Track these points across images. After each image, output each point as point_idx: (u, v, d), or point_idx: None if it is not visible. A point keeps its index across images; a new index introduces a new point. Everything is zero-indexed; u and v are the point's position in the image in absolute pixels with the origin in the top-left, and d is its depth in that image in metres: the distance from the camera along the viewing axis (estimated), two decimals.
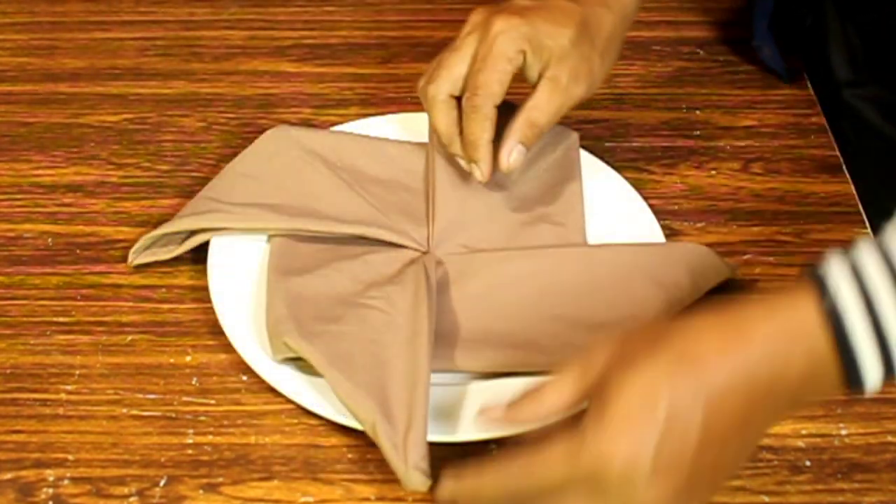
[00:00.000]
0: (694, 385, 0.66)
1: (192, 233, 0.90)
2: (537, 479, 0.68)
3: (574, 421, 0.68)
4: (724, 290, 0.89)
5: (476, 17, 0.89)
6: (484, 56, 0.87)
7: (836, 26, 1.04)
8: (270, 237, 0.90)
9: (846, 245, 0.93)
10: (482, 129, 0.87)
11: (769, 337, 0.67)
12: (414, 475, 0.75)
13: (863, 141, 1.02)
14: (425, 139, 0.98)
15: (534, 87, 0.88)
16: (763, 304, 0.68)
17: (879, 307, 0.65)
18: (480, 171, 0.88)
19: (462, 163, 0.90)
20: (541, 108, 0.87)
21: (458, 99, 0.89)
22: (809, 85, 1.07)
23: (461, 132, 0.89)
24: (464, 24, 0.89)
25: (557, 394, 0.70)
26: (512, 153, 0.87)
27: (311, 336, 0.81)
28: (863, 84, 1.04)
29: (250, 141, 0.96)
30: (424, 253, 0.90)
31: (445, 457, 0.79)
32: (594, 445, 0.66)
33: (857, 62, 1.03)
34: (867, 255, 0.66)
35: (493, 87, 0.86)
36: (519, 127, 0.87)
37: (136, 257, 0.90)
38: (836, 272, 0.66)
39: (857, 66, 1.03)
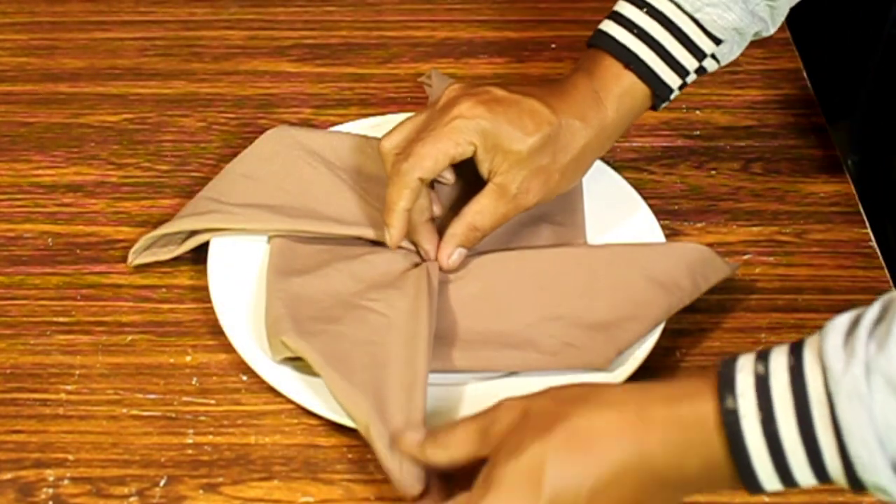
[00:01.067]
0: (581, 466, 0.67)
1: (192, 233, 0.90)
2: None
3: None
4: (724, 290, 0.89)
5: (450, 91, 0.86)
6: (433, 130, 0.84)
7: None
8: (270, 237, 0.90)
9: (846, 246, 0.94)
10: (401, 196, 0.84)
11: (668, 425, 0.66)
12: (407, 478, 0.75)
13: None
14: None
15: (482, 187, 0.86)
16: (666, 391, 0.68)
17: (779, 426, 0.64)
18: (390, 236, 0.86)
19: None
20: (484, 213, 0.86)
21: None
22: (809, 85, 1.07)
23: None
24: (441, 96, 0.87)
25: (456, 447, 0.72)
26: (452, 255, 0.87)
27: (308, 335, 0.81)
28: None
29: (250, 141, 0.96)
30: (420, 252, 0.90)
31: None
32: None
33: None
34: (778, 367, 0.65)
35: (426, 161, 0.84)
36: (460, 231, 0.86)
37: (135, 257, 0.90)
38: (744, 377, 0.65)
39: None
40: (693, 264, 0.88)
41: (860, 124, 1.11)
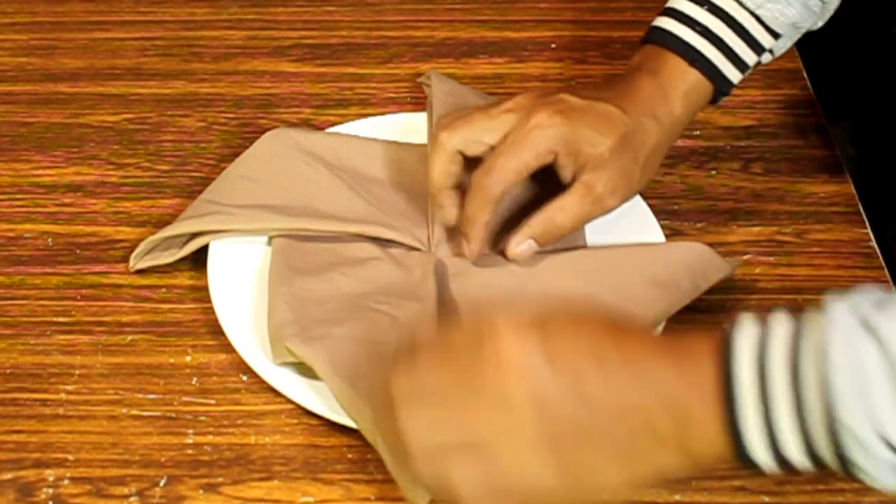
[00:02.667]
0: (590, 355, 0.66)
1: (193, 236, 0.90)
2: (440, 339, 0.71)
3: None
4: (724, 290, 0.89)
5: (522, 100, 0.86)
6: (513, 142, 0.84)
7: None
8: (272, 238, 0.90)
9: (846, 246, 0.94)
10: (482, 209, 0.85)
11: (668, 372, 0.65)
12: (416, 488, 0.75)
13: None
14: (425, 140, 0.98)
15: (567, 187, 0.86)
16: (669, 342, 0.68)
17: (773, 401, 0.62)
18: (469, 249, 0.87)
19: (443, 215, 0.88)
20: (567, 210, 0.85)
21: (465, 158, 0.87)
22: (809, 85, 1.07)
23: (455, 190, 0.88)
24: (506, 100, 0.87)
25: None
26: (521, 244, 0.86)
27: (313, 341, 0.81)
28: None
29: (250, 141, 0.96)
30: (424, 251, 0.90)
31: None
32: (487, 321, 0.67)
33: None
34: (778, 340, 0.64)
35: (509, 174, 0.84)
36: (537, 223, 0.86)
37: (137, 262, 0.90)
38: (744, 344, 0.64)
39: None
40: (693, 264, 0.88)
41: (860, 124, 1.11)
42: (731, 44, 0.88)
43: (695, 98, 0.89)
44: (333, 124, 1.01)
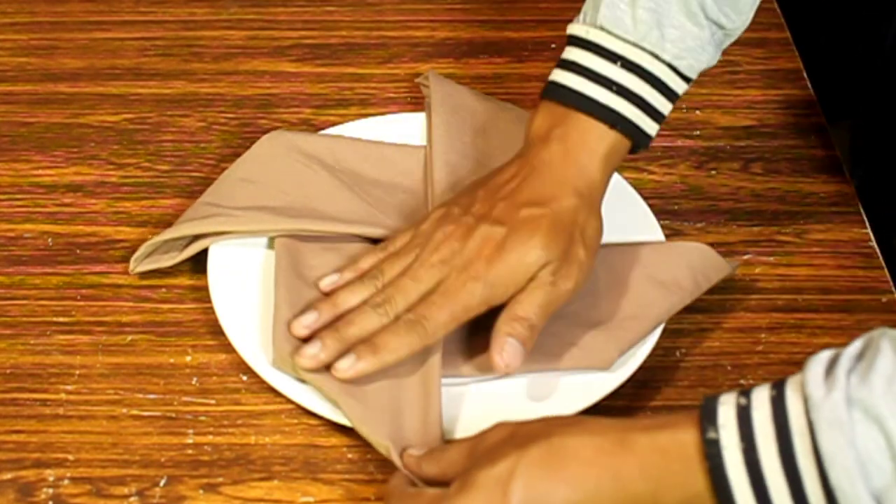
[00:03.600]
0: (552, 483, 0.67)
1: (194, 239, 0.90)
2: None
3: None
4: (724, 290, 0.89)
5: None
6: (445, 293, 0.81)
7: None
8: (274, 239, 0.90)
9: (846, 246, 0.94)
10: (400, 346, 0.81)
11: (647, 453, 0.66)
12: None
13: None
14: (424, 141, 0.98)
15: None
16: (649, 422, 0.68)
17: (761, 455, 0.63)
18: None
19: None
20: (522, 301, 0.81)
21: None
22: (809, 85, 1.07)
23: None
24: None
25: (448, 462, 0.74)
26: (504, 348, 0.80)
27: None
28: None
29: (250, 141, 0.96)
30: None
31: None
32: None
33: None
34: (760, 399, 0.65)
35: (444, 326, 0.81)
36: (501, 324, 0.81)
37: (137, 265, 0.90)
38: (726, 409, 0.65)
39: None
40: (694, 263, 0.88)
41: (860, 124, 1.11)
42: (650, 100, 0.84)
43: (614, 159, 0.85)
44: (333, 124, 1.01)
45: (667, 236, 0.92)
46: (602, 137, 0.84)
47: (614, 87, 0.83)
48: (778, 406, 0.64)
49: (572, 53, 0.85)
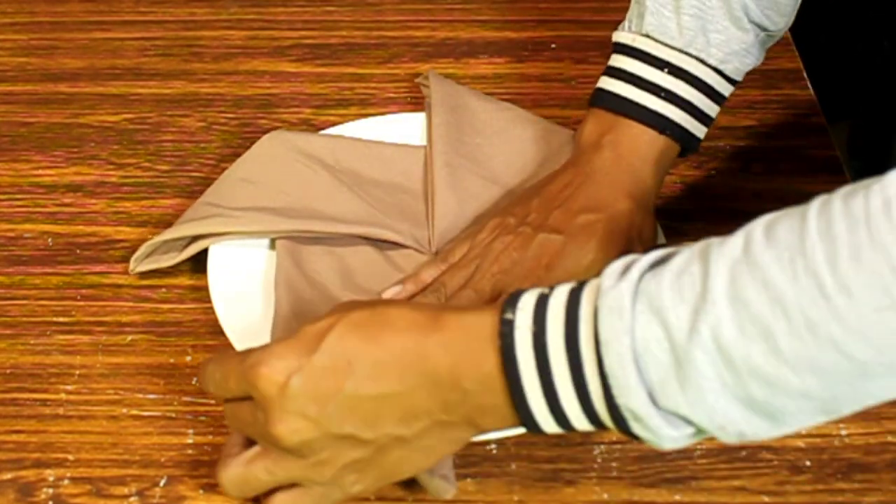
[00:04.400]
0: (362, 341, 0.68)
1: (194, 239, 0.90)
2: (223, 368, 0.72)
3: None
4: None
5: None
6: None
7: None
8: (275, 240, 0.90)
9: None
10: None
11: (452, 329, 0.67)
12: (439, 484, 0.75)
13: None
14: (424, 141, 0.98)
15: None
16: (463, 307, 0.71)
17: (548, 338, 0.65)
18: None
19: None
20: None
21: None
22: (809, 85, 1.07)
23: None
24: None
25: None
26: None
27: None
28: None
29: (250, 141, 0.96)
30: (424, 252, 0.90)
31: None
32: (262, 348, 0.71)
33: None
34: (560, 289, 0.66)
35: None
36: None
37: (137, 265, 0.90)
38: (528, 296, 0.66)
39: None
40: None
41: (860, 124, 1.11)
42: (698, 104, 0.86)
43: (665, 163, 0.87)
44: (333, 124, 1.01)
45: (667, 236, 0.92)
46: (652, 142, 0.86)
47: (662, 93, 0.85)
48: (573, 295, 0.65)
49: (619, 61, 0.86)
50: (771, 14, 0.86)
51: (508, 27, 1.13)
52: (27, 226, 0.95)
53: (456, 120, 0.97)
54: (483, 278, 0.83)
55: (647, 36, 0.85)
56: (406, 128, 0.99)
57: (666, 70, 0.85)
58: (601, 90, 0.87)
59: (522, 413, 0.66)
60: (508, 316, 0.66)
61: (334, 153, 0.96)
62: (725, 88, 0.87)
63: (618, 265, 0.64)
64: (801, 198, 0.98)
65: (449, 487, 0.75)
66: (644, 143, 0.86)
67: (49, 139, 1.02)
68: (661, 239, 0.91)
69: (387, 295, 0.86)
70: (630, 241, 0.84)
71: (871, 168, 1.05)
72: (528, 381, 0.65)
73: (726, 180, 0.99)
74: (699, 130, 0.87)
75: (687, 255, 0.64)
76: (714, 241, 0.64)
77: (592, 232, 0.83)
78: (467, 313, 0.68)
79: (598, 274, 0.65)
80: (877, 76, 1.11)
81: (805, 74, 1.08)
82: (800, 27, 1.11)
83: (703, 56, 0.85)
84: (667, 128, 0.86)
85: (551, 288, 0.66)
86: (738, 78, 0.87)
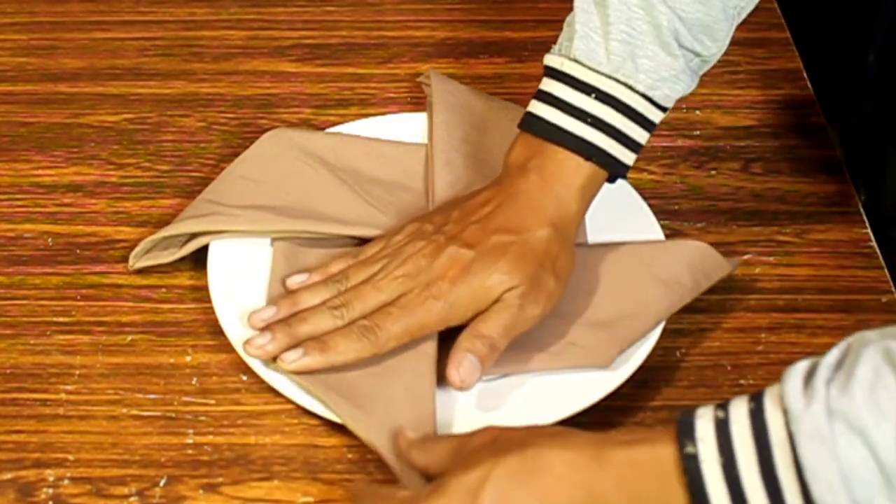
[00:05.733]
0: (524, 494, 0.67)
1: (193, 236, 0.90)
2: None
3: None
4: (724, 290, 0.89)
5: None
6: (403, 307, 0.81)
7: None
8: (273, 241, 0.90)
9: (846, 246, 0.94)
10: (348, 350, 0.81)
11: (624, 468, 0.66)
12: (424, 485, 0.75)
13: None
14: (424, 140, 0.98)
15: None
16: (626, 437, 0.68)
17: (740, 469, 0.63)
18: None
19: None
20: (487, 320, 0.81)
21: None
22: (810, 85, 1.07)
23: None
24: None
25: (433, 456, 0.75)
26: (462, 363, 0.80)
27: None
28: None
29: (250, 141, 0.96)
30: None
31: None
32: None
33: None
34: (738, 412, 0.64)
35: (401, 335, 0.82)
36: (463, 339, 0.81)
37: (136, 261, 0.90)
38: (704, 423, 0.65)
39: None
40: (694, 261, 0.88)
41: (860, 124, 1.11)
42: (625, 130, 0.84)
43: (590, 190, 0.85)
44: (333, 124, 1.01)
45: (667, 236, 0.92)
46: (578, 169, 0.84)
47: (589, 119, 0.83)
48: (757, 419, 0.63)
49: (548, 85, 0.85)
50: (703, 39, 0.84)
51: (508, 27, 1.13)
52: (27, 226, 0.95)
53: (457, 118, 0.97)
54: (385, 278, 0.83)
55: (576, 60, 0.84)
56: (406, 128, 0.99)
57: (593, 96, 0.83)
58: (530, 114, 0.86)
59: None
60: (690, 450, 0.64)
61: (335, 151, 0.96)
62: (655, 115, 0.85)
63: (796, 380, 0.63)
64: (801, 198, 0.98)
65: None
66: (569, 170, 0.84)
67: (49, 139, 1.02)
68: (661, 239, 0.91)
69: (291, 282, 0.86)
70: (542, 268, 0.82)
71: (870, 168, 1.05)
72: None
73: (726, 180, 0.99)
74: (627, 157, 0.85)
75: (871, 364, 0.62)
76: (889, 341, 0.63)
77: (503, 253, 0.82)
78: (635, 448, 0.66)
79: (758, 392, 0.64)
80: (869, 73, 1.11)
81: (805, 74, 1.08)
82: (800, 27, 1.11)
83: (630, 82, 0.83)
84: (593, 154, 0.83)
85: (723, 409, 0.64)
86: (668, 105, 0.85)
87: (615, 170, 0.85)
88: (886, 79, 1.06)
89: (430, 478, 0.73)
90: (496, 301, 0.81)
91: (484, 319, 0.81)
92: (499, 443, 0.70)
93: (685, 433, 0.64)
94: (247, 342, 0.82)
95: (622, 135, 0.84)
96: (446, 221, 0.85)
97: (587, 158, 0.83)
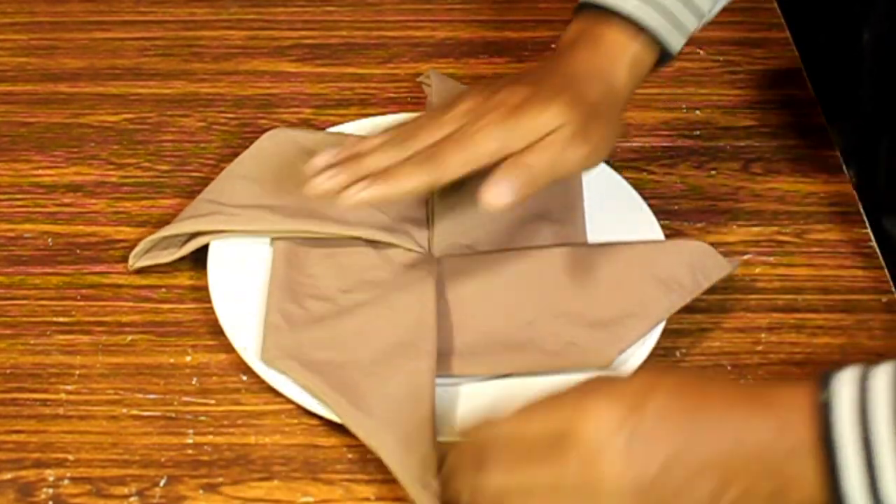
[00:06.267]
0: (682, 407, 0.68)
1: (193, 236, 0.90)
2: (517, 429, 0.70)
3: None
4: (724, 290, 0.89)
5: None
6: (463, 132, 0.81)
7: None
8: (273, 241, 0.90)
9: (846, 246, 0.94)
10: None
11: (762, 404, 0.67)
12: (424, 494, 0.75)
13: None
14: None
15: None
16: (768, 386, 0.70)
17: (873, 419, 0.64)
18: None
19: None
20: (533, 151, 0.81)
21: None
22: (810, 85, 1.07)
23: None
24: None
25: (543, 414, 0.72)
26: (499, 182, 0.79)
27: (312, 366, 0.81)
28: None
29: (250, 141, 0.96)
30: (423, 254, 0.90)
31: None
32: (574, 397, 0.69)
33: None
34: (881, 378, 0.65)
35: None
36: (506, 164, 0.80)
37: (136, 261, 0.90)
38: (845, 375, 0.66)
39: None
40: (694, 261, 0.88)
41: (860, 124, 1.11)
42: (675, 11, 0.86)
43: (639, 68, 0.86)
44: (333, 124, 1.01)
45: (667, 236, 0.92)
46: (628, 44, 0.85)
47: None
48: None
49: None
50: None
51: (508, 27, 1.13)
52: (27, 226, 0.95)
53: None
54: (446, 115, 0.82)
55: None
56: None
57: None
58: None
59: (834, 486, 0.65)
60: (826, 395, 0.65)
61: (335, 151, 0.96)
62: (704, 3, 0.86)
63: None
64: (801, 198, 0.98)
65: (432, 498, 0.74)
66: (619, 45, 0.85)
67: (49, 139, 1.02)
68: (661, 239, 0.91)
69: (317, 161, 0.83)
70: (590, 117, 0.82)
71: (870, 168, 1.05)
72: (846, 457, 0.64)
73: (726, 180, 0.99)
74: (676, 40, 0.86)
75: None
76: None
77: (561, 90, 0.82)
78: (781, 388, 0.68)
79: None
80: (876, 75, 1.11)
81: (805, 74, 1.08)
82: (800, 27, 1.11)
83: None
84: (643, 30, 0.85)
85: (867, 368, 0.66)
86: None
87: (662, 52, 0.86)
88: (882, 67, 1.06)
89: None
90: (545, 135, 0.81)
91: (529, 150, 0.80)
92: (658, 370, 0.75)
93: (824, 382, 0.66)
94: (309, 183, 0.80)
95: (672, 15, 0.85)
96: (500, 86, 0.84)
97: (637, 34, 0.85)
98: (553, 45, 1.10)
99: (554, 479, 0.67)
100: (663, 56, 0.86)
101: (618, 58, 0.85)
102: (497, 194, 0.78)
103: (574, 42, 0.86)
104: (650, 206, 0.94)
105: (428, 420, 0.79)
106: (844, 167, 1.00)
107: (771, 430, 0.66)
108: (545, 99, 0.81)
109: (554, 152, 0.80)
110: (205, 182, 0.95)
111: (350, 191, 0.79)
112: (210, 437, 0.81)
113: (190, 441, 0.81)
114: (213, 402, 0.83)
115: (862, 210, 0.97)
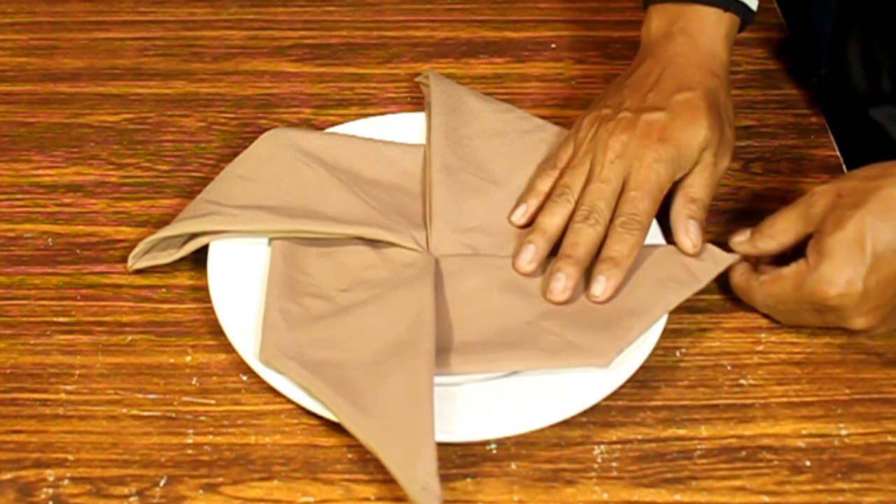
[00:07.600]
0: (892, 231, 0.79)
1: (192, 236, 0.90)
2: (778, 295, 0.84)
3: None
4: (724, 290, 0.89)
5: (611, 143, 0.88)
6: (639, 185, 0.87)
7: (856, 39, 1.03)
8: (272, 240, 0.90)
9: None
10: (631, 249, 0.86)
11: None
12: (423, 495, 0.75)
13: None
14: (423, 140, 0.98)
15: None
16: None
17: None
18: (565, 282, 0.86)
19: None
20: (693, 184, 0.89)
21: None
22: (809, 85, 1.07)
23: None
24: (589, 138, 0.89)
25: (784, 233, 0.85)
26: (689, 229, 0.88)
27: (311, 365, 0.81)
28: (883, 102, 1.03)
29: (250, 141, 0.96)
30: (422, 253, 0.90)
31: (446, 456, 0.79)
32: (816, 276, 0.81)
33: (879, 78, 1.02)
34: None
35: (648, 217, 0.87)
36: (680, 207, 0.88)
37: (135, 262, 0.90)
38: None
39: (878, 83, 1.02)
40: (693, 260, 0.88)
41: (860, 121, 1.11)
42: None
43: (731, 39, 0.93)
44: (333, 124, 1.01)
45: (667, 237, 0.92)
46: (720, 20, 0.92)
47: None
48: None
49: None
50: None
51: (508, 27, 1.13)
52: (27, 226, 0.95)
53: (455, 121, 0.97)
54: (604, 169, 0.87)
55: None
56: (406, 128, 0.99)
57: None
58: None
59: None
60: None
61: (334, 151, 0.96)
62: None
63: None
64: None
65: (432, 499, 0.74)
66: (712, 24, 0.92)
67: (49, 139, 1.02)
68: (661, 239, 0.91)
69: (516, 217, 0.90)
70: (722, 120, 0.90)
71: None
72: None
73: (726, 180, 0.99)
74: (753, 2, 0.94)
75: None
76: None
77: (696, 108, 0.88)
78: None
79: None
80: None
81: (805, 74, 1.08)
82: (800, 27, 1.11)
83: None
84: (731, 5, 0.92)
85: None
86: None
87: (746, 15, 0.93)
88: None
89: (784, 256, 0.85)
90: (696, 164, 0.88)
91: (690, 184, 0.89)
92: (846, 196, 0.81)
93: None
94: (548, 291, 0.85)
95: None
96: (622, 100, 0.90)
97: (727, 9, 0.91)
98: (553, 45, 1.10)
99: None
100: (747, 18, 0.93)
101: (715, 36, 0.92)
102: (695, 238, 0.88)
103: (666, 33, 0.92)
104: None
105: (427, 419, 0.79)
106: (844, 167, 1.00)
107: None
108: (690, 120, 0.88)
109: (709, 176, 0.90)
110: (205, 182, 0.95)
111: (595, 291, 0.85)
112: (210, 437, 0.81)
113: (190, 441, 0.81)
114: (213, 402, 0.83)
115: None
